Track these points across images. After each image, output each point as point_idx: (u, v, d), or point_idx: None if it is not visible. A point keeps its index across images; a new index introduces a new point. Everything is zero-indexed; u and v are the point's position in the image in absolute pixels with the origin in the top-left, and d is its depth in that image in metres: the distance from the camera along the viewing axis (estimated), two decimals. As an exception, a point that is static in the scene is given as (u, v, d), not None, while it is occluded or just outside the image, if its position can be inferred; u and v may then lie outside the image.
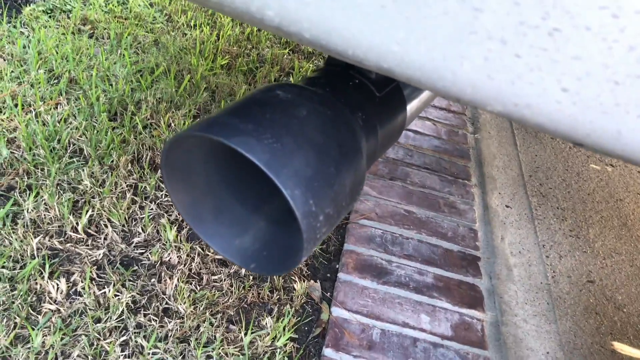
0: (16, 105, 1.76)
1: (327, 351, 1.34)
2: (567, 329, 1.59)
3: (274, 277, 1.48)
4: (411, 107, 0.85)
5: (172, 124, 1.86)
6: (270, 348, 1.30)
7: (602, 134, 0.42)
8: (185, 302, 1.33)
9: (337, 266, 1.60)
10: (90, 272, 1.34)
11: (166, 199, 1.59)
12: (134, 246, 1.44)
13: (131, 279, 1.36)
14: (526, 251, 1.82)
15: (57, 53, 2.04)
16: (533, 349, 1.50)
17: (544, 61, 0.39)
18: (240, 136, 0.53)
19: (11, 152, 1.59)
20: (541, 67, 0.39)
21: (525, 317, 1.59)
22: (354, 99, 0.72)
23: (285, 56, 2.52)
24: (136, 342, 1.23)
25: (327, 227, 0.59)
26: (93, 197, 1.53)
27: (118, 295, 1.31)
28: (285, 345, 1.32)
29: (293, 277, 1.50)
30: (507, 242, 1.84)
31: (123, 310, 1.28)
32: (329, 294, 1.51)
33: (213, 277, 1.42)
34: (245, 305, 1.39)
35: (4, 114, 1.73)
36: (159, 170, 1.66)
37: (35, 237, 1.38)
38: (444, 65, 0.41)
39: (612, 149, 0.43)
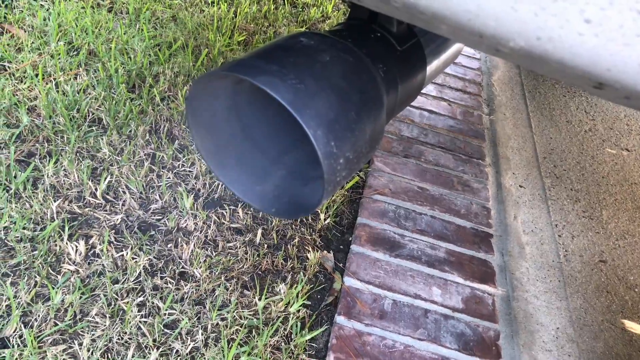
0: (37, 75, 1.79)
1: (340, 319, 1.36)
2: (578, 306, 1.60)
3: (288, 246, 1.49)
4: (431, 66, 0.86)
5: (189, 97, 1.87)
6: (283, 313, 1.32)
7: (623, 68, 0.42)
8: (201, 267, 1.35)
9: (350, 239, 1.61)
10: (109, 235, 1.36)
11: (183, 168, 1.61)
12: (151, 212, 1.47)
13: (148, 243, 1.38)
14: (539, 230, 1.83)
15: (76, 26, 2.06)
16: (543, 324, 1.51)
17: (567, -11, 0.40)
18: (265, 75, 0.54)
19: (32, 120, 1.62)
20: (565, -5, 0.40)
21: (536, 294, 1.60)
22: (375, 51, 0.73)
23: (301, 35, 2.52)
24: (153, 303, 1.25)
25: (346, 172, 0.60)
26: (111, 165, 1.55)
27: (135, 259, 1.33)
28: (298, 311, 1.34)
29: (307, 247, 1.52)
30: (519, 220, 1.85)
31: (140, 272, 1.31)
32: (341, 264, 1.52)
33: (228, 244, 1.44)
34: (260, 272, 1.41)
35: (25, 83, 1.75)
36: (176, 141, 1.68)
37: (55, 201, 1.41)
38: (468, -4, 0.42)
39: (632, 85, 0.44)
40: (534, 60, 0.48)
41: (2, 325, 1.13)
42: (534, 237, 1.79)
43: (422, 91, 2.40)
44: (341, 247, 1.59)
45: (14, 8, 2.08)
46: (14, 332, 1.12)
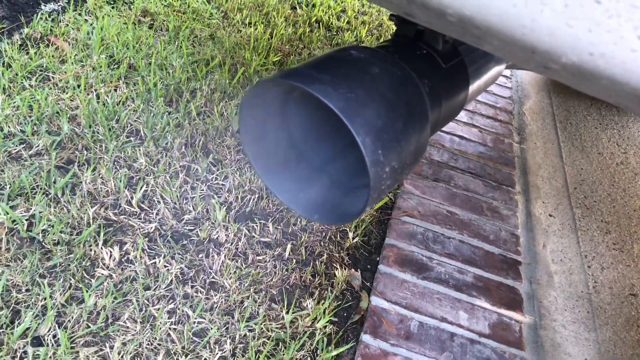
0: (79, 86, 1.85)
1: (365, 337, 1.36)
2: (607, 338, 1.58)
3: (316, 262, 1.51)
4: (473, 85, 0.88)
5: (225, 113, 1.92)
6: (310, 328, 1.33)
7: (674, 86, 0.44)
8: (230, 278, 1.37)
9: (378, 259, 1.62)
10: (142, 243, 1.39)
11: (216, 181, 1.64)
12: (184, 223, 1.49)
13: (180, 252, 1.41)
14: (568, 260, 1.81)
15: (118, 40, 2.13)
16: (571, 355, 1.49)
17: (623, 6, 0.41)
18: (319, 84, 0.56)
19: (72, 129, 1.66)
20: (620, 13, 0.41)
21: (564, 323, 1.58)
22: (422, 67, 0.75)
23: (335, 57, 2.56)
24: (183, 310, 1.27)
25: (391, 181, 0.62)
26: (147, 175, 1.59)
27: (167, 267, 1.36)
28: (325, 327, 1.35)
29: (334, 265, 1.53)
30: (549, 249, 1.83)
31: (172, 280, 1.33)
32: (368, 283, 1.53)
33: (258, 257, 1.46)
34: (288, 287, 1.42)
35: (67, 93, 1.81)
36: (211, 155, 1.71)
37: (91, 207, 1.44)
38: (524, 11, 0.44)
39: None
40: (584, 77, 0.49)
41: (38, 324, 1.15)
42: (563, 267, 1.77)
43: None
44: (368, 266, 1.59)
45: (60, 22, 2.16)
46: (48, 331, 1.15)
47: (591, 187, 2.25)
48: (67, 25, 2.14)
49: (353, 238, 1.64)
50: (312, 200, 0.73)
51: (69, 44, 2.07)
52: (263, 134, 0.71)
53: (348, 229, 1.65)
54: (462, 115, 2.46)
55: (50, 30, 2.09)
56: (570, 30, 0.44)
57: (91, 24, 2.20)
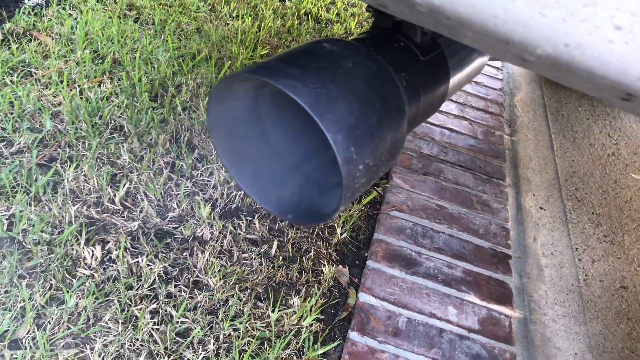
0: (62, 82, 1.81)
1: (353, 334, 1.34)
2: (597, 331, 1.56)
3: (303, 259, 1.48)
4: (454, 78, 0.85)
5: (211, 108, 1.88)
6: (296, 326, 1.31)
7: (654, 77, 0.41)
8: (215, 276, 1.35)
9: (366, 254, 1.60)
10: (125, 241, 1.36)
11: (201, 177, 1.62)
12: (168, 220, 1.47)
13: (164, 251, 1.38)
14: (558, 253, 1.79)
15: (102, 35, 2.09)
16: (561, 349, 1.48)
17: (598, -5, 0.39)
18: (287, 79, 0.54)
19: (55, 125, 1.63)
20: (596, 1, 0.39)
21: (554, 317, 1.56)
22: (399, 60, 0.72)
23: (324, 50, 2.53)
24: (166, 310, 1.25)
25: (365, 179, 0.60)
26: (131, 172, 1.56)
27: (150, 265, 1.33)
28: (311, 325, 1.33)
29: (322, 261, 1.51)
30: (539, 242, 1.82)
31: (155, 279, 1.30)
32: (356, 280, 1.51)
33: (243, 255, 1.43)
34: (274, 284, 1.40)
35: (50, 89, 1.78)
36: (196, 151, 1.69)
37: (73, 206, 1.41)
38: (496, 0, 0.42)
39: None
40: (561, 69, 0.47)
41: (16, 327, 1.13)
42: (553, 260, 1.76)
43: (443, 109, 2.38)
44: (357, 262, 1.57)
45: (43, 16, 2.12)
46: (27, 333, 1.13)
47: (582, 179, 2.23)
48: (51, 19, 2.10)
49: (341, 234, 1.61)
50: (287, 199, 0.71)
51: (52, 39, 2.03)
52: (235, 131, 0.69)
53: (336, 225, 1.63)
54: (452, 108, 2.44)
55: (33, 24, 2.05)
56: (544, 20, 0.42)
57: (75, 18, 2.16)
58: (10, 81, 1.75)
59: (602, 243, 1.91)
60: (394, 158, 0.65)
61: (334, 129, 0.54)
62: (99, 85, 1.85)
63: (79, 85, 1.82)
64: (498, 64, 3.00)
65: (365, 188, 0.63)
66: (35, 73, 1.84)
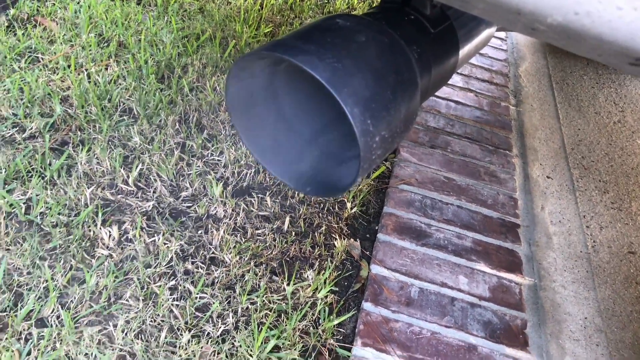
0: (69, 66, 1.83)
1: (366, 305, 1.37)
2: (606, 296, 1.59)
3: (315, 234, 1.51)
4: (463, 49, 0.87)
5: (217, 88, 1.90)
6: (311, 298, 1.34)
7: (662, 42, 0.43)
8: (230, 253, 1.37)
9: (377, 227, 1.62)
10: (141, 221, 1.39)
11: (212, 157, 1.64)
12: (182, 200, 1.49)
13: (179, 229, 1.41)
14: (566, 221, 1.82)
15: (106, 18, 2.10)
16: (571, 314, 1.51)
17: (607, -37, 0.40)
18: (304, 55, 0.56)
19: (64, 110, 1.65)
20: (605, -31, 0.41)
21: (563, 283, 1.59)
22: (410, 33, 0.74)
23: (327, 26, 2.53)
24: (184, 286, 1.28)
25: (381, 150, 0.62)
26: (142, 153, 1.58)
27: (167, 244, 1.36)
28: (326, 297, 1.36)
29: (333, 235, 1.53)
30: (547, 211, 1.84)
31: (172, 257, 1.33)
32: (368, 252, 1.53)
33: (257, 231, 1.46)
34: (288, 259, 1.43)
35: (58, 74, 1.79)
36: (205, 131, 1.71)
37: (88, 188, 1.44)
38: (508, -29, 0.43)
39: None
40: (571, 37, 0.48)
41: (41, 306, 1.16)
42: (561, 228, 1.78)
43: (448, 82, 2.39)
44: (368, 235, 1.60)
45: (47, 1, 2.13)
46: (51, 312, 1.16)
47: (589, 147, 2.24)
48: (54, 4, 2.11)
49: (351, 208, 1.64)
50: (304, 173, 0.73)
51: (57, 24, 2.04)
52: (252, 108, 0.71)
53: (346, 199, 1.65)
54: (458, 80, 2.45)
55: (37, 10, 2.06)
56: (555, -11, 0.43)
57: (78, 2, 2.17)
58: (19, 67, 1.77)
59: (610, 210, 1.93)
60: (407, 129, 0.67)
61: (351, 102, 0.55)
62: (106, 69, 1.87)
63: (86, 69, 1.84)
64: (502, 34, 2.99)
65: (380, 159, 0.65)
66: (42, 58, 1.85)
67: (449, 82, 2.40)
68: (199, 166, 1.59)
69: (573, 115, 2.43)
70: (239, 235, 1.44)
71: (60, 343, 1.11)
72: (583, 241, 1.75)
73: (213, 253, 1.38)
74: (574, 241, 1.74)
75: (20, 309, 1.15)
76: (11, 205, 1.35)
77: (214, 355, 1.16)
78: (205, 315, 1.24)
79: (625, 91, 2.76)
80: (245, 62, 0.62)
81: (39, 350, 1.09)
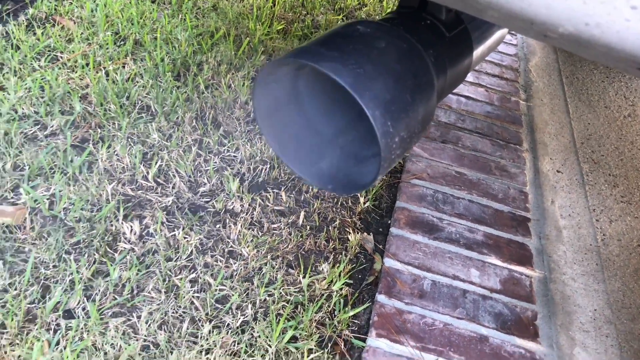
0: (87, 65, 1.87)
1: (380, 297, 1.41)
2: (616, 288, 1.62)
3: (329, 228, 1.55)
4: (477, 51, 0.90)
5: (232, 85, 1.94)
6: (326, 291, 1.38)
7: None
8: (248, 246, 1.42)
9: (389, 222, 1.66)
10: (161, 216, 1.44)
11: (228, 153, 1.68)
12: (200, 195, 1.53)
13: (198, 224, 1.45)
14: (576, 214, 1.84)
15: (122, 16, 2.14)
16: (581, 306, 1.54)
17: (615, -21, 0.43)
18: (328, 62, 0.59)
19: (84, 107, 1.70)
20: (612, -16, 0.44)
21: (573, 276, 1.62)
22: (426, 37, 0.77)
23: (339, 22, 2.56)
24: (204, 279, 1.32)
25: (400, 150, 0.65)
26: (161, 150, 1.62)
27: (187, 238, 1.40)
28: (340, 289, 1.40)
29: (347, 229, 1.57)
30: (557, 205, 1.87)
31: (192, 251, 1.38)
32: (381, 246, 1.57)
33: (273, 226, 1.50)
34: (303, 252, 1.47)
35: (76, 72, 1.83)
36: (221, 127, 1.74)
37: (109, 184, 1.48)
38: (522, -14, 0.46)
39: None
40: (582, 45, 0.51)
41: (68, 298, 1.21)
42: (571, 221, 1.81)
43: (458, 77, 2.41)
44: (380, 229, 1.64)
45: (64, 0, 2.17)
46: (78, 304, 1.21)
47: (598, 141, 2.27)
48: (71, 3, 2.15)
49: (364, 203, 1.67)
50: (326, 171, 0.77)
51: (74, 23, 2.08)
52: (276, 110, 0.74)
53: (359, 195, 1.69)
54: (468, 75, 2.47)
55: (55, 9, 2.10)
56: (566, 3, 0.47)
57: (94, 1, 2.21)
58: (39, 66, 1.81)
59: (620, 203, 1.96)
60: (425, 129, 0.70)
61: (373, 105, 0.59)
62: (123, 67, 1.91)
63: (104, 68, 1.88)
64: (512, 29, 3.00)
65: (399, 158, 0.68)
66: (61, 57, 1.90)
67: (460, 77, 2.42)
68: (215, 162, 1.63)
69: (583, 109, 2.45)
70: (255, 229, 1.48)
71: (87, 334, 1.15)
72: (593, 234, 1.78)
73: (231, 247, 1.42)
74: (584, 234, 1.77)
75: (48, 300, 1.20)
76: (35, 201, 1.40)
77: (234, 345, 1.21)
78: (225, 306, 1.28)
79: (636, 85, 2.78)
80: (272, 68, 0.66)
81: (67, 340, 1.13)
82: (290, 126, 0.77)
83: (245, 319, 1.26)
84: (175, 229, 1.42)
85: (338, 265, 1.45)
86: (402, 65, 0.65)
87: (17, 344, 1.10)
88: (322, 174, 0.76)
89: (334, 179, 0.76)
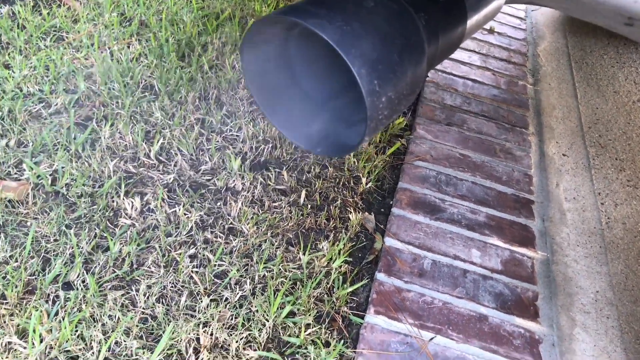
0: (92, 45, 1.88)
1: (380, 275, 1.41)
2: (619, 271, 1.61)
3: (330, 207, 1.55)
4: (471, 20, 0.89)
5: (236, 66, 1.94)
6: (326, 268, 1.38)
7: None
8: (248, 223, 1.42)
9: (391, 202, 1.65)
10: (162, 193, 1.44)
11: (231, 132, 1.68)
12: (202, 173, 1.54)
13: (199, 201, 1.46)
14: (581, 197, 1.83)
15: (128, -2, 2.14)
16: (583, 288, 1.53)
17: None
18: (315, 18, 0.59)
19: (88, 86, 1.70)
20: None
21: (576, 258, 1.61)
22: (418, 1, 0.76)
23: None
24: (204, 255, 1.33)
25: (388, 111, 0.65)
26: (164, 128, 1.63)
27: (187, 214, 1.41)
28: (340, 266, 1.40)
29: (348, 209, 1.57)
30: (562, 188, 1.85)
31: (192, 227, 1.38)
32: (382, 226, 1.57)
33: (274, 204, 1.50)
34: (303, 230, 1.47)
35: (81, 52, 1.84)
36: (224, 107, 1.74)
37: (111, 161, 1.49)
38: None
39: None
40: (567, 0, 0.51)
41: (67, 270, 1.22)
42: (575, 204, 1.79)
43: (466, 61, 2.39)
44: (382, 210, 1.63)
45: (70, -19, 2.18)
46: (77, 277, 1.22)
47: (606, 125, 2.24)
48: (77, -16, 2.15)
49: (366, 183, 1.67)
50: (315, 135, 0.76)
51: (80, 3, 2.09)
52: (266, 74, 0.74)
53: (361, 175, 1.68)
54: (475, 59, 2.45)
55: (61, -10, 2.11)
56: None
57: (101, -17, 2.21)
58: (45, 45, 1.82)
59: (625, 187, 1.93)
60: (414, 93, 0.70)
61: (359, 63, 0.58)
62: (128, 47, 1.91)
63: (109, 48, 1.88)
64: (522, 13, 2.97)
65: (388, 121, 0.68)
66: (66, 37, 1.90)
67: (466, 60, 2.41)
68: (218, 141, 1.64)
69: (591, 94, 2.42)
70: (256, 207, 1.48)
71: (86, 305, 1.16)
72: (597, 217, 1.76)
73: (231, 224, 1.42)
74: (588, 217, 1.76)
75: (48, 273, 1.21)
76: (38, 176, 1.41)
77: (232, 318, 1.21)
78: (223, 281, 1.28)
79: (646, 71, 2.74)
80: (259, 26, 0.65)
81: (65, 311, 1.14)
82: (281, 90, 0.77)
83: (243, 293, 1.27)
84: (176, 206, 1.43)
85: (338, 243, 1.45)
86: (391, 25, 0.64)
87: (17, 313, 1.12)
88: (311, 137, 0.76)
89: (323, 142, 0.76)
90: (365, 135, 0.65)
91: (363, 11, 0.63)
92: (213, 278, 1.29)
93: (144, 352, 1.12)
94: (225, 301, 1.25)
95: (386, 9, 0.66)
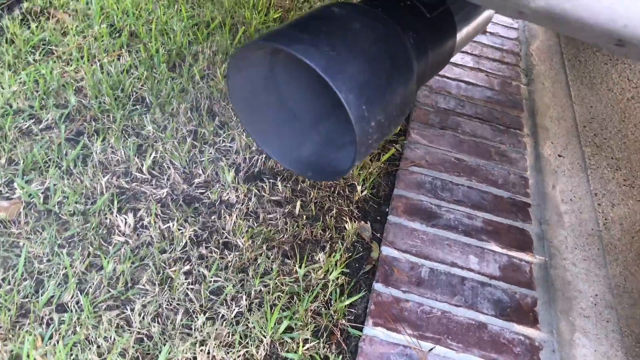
0: (82, 57, 1.86)
1: (377, 286, 1.40)
2: (618, 273, 1.60)
3: (326, 217, 1.53)
4: (461, 33, 0.88)
5: (228, 75, 1.92)
6: (322, 280, 1.37)
7: (638, 23, 0.44)
8: (243, 237, 1.41)
9: (387, 210, 1.64)
10: (155, 208, 1.43)
11: (224, 143, 1.67)
12: (195, 186, 1.52)
13: (193, 215, 1.45)
14: (577, 199, 1.82)
15: (117, 8, 2.12)
16: (582, 291, 1.52)
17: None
18: (300, 44, 0.58)
19: (79, 100, 1.69)
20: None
21: (574, 261, 1.60)
22: (405, 18, 0.75)
23: (336, 10, 2.53)
24: (199, 271, 1.31)
25: (378, 135, 0.63)
26: (156, 141, 1.61)
27: (181, 230, 1.40)
28: (337, 278, 1.39)
29: (344, 218, 1.56)
30: (558, 189, 1.84)
31: (186, 242, 1.37)
32: (378, 234, 1.56)
33: (269, 216, 1.49)
34: (299, 242, 1.46)
35: (71, 65, 1.83)
36: (217, 118, 1.73)
37: (104, 177, 1.48)
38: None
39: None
40: (555, 20, 0.49)
41: (61, 292, 1.21)
42: (572, 206, 1.79)
43: (458, 62, 2.38)
44: (378, 218, 1.62)
45: (58, -7, 2.16)
46: (71, 298, 1.20)
47: (601, 124, 2.23)
48: (66, -4, 2.14)
49: (362, 191, 1.66)
50: (305, 158, 0.75)
51: (69, 16, 2.07)
52: (254, 97, 0.73)
53: (356, 183, 1.67)
54: (468, 60, 2.44)
55: (50, 2, 2.09)
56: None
57: (89, -6, 2.19)
58: (34, 59, 1.81)
59: (622, 187, 1.93)
60: (404, 114, 0.69)
61: (346, 89, 0.57)
62: (118, 59, 1.90)
63: (98, 60, 1.87)
64: (513, 12, 2.96)
65: (378, 143, 0.67)
66: (56, 50, 1.89)
67: (459, 62, 2.40)
68: (211, 153, 1.62)
69: (585, 92, 2.41)
70: (251, 219, 1.47)
71: (80, 327, 1.15)
72: (594, 219, 1.75)
73: (226, 238, 1.41)
74: (585, 219, 1.75)
75: (41, 295, 1.20)
76: (30, 195, 1.39)
77: (229, 336, 1.20)
78: (219, 298, 1.27)
79: (640, 67, 2.73)
80: (244, 53, 0.64)
81: (59, 334, 1.13)
82: (269, 112, 0.76)
83: (239, 310, 1.26)
84: (170, 221, 1.41)
85: (334, 254, 1.44)
86: (378, 47, 0.63)
87: (10, 339, 1.10)
88: (301, 161, 0.75)
89: (314, 165, 0.75)
90: (355, 160, 0.64)
91: (349, 34, 0.62)
92: (209, 295, 1.27)
93: (140, 374, 1.10)
94: (221, 318, 1.23)
95: (373, 30, 0.65)
